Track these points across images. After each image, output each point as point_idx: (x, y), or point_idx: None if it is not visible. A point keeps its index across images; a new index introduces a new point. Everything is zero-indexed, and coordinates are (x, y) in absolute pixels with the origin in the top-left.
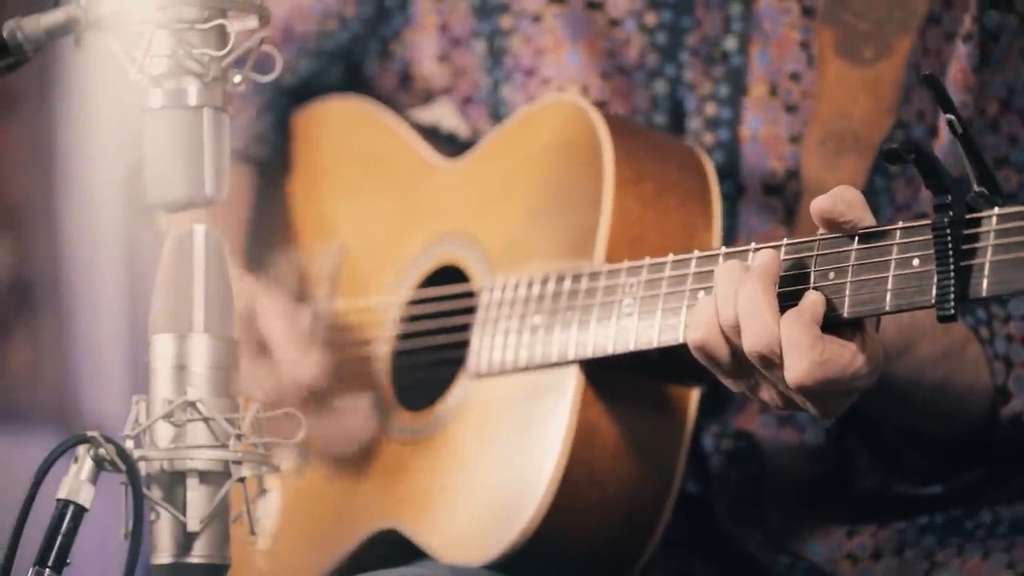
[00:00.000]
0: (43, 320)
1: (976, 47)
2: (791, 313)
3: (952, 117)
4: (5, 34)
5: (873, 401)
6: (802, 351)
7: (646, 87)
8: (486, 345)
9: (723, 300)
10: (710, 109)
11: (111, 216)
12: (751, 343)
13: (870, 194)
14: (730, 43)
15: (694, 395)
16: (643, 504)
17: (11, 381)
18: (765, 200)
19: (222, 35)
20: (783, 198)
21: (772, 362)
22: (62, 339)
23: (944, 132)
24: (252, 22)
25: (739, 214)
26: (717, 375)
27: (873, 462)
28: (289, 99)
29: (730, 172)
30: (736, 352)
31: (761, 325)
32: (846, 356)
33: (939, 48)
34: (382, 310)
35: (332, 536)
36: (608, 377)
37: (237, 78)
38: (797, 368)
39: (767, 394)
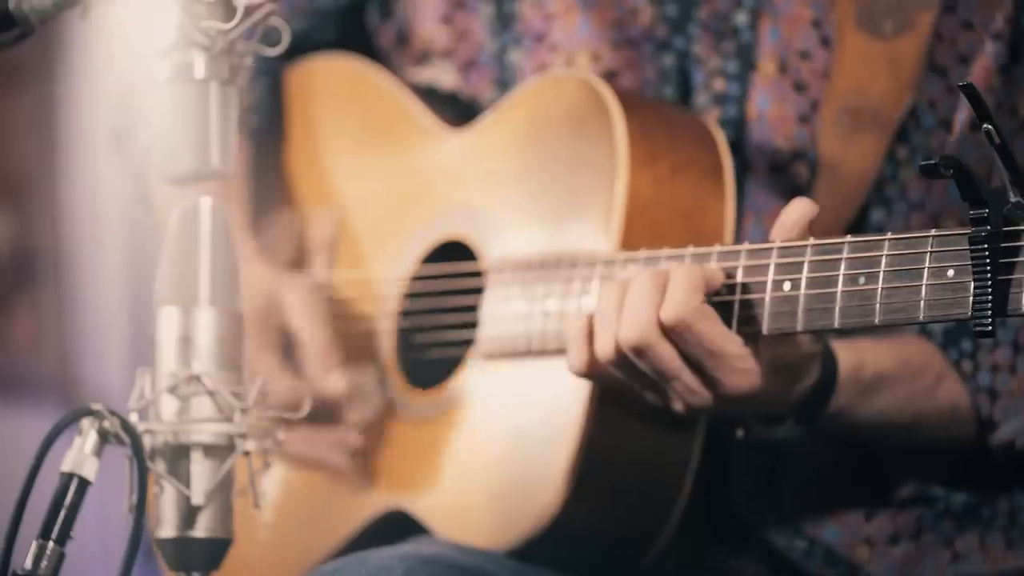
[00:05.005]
0: (45, 292)
1: (1005, 46)
2: (681, 265)
3: (991, 127)
4: (11, 6)
5: (836, 436)
6: (686, 289)
7: (655, 59)
8: (496, 327)
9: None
10: (718, 84)
11: (113, 188)
12: (627, 332)
13: (883, 179)
14: (741, 18)
15: None
16: (658, 491)
17: (13, 353)
18: (771, 179)
19: (229, 8)
20: (789, 177)
21: (643, 351)
22: (64, 311)
23: (958, 126)
24: None
25: (745, 192)
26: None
27: (909, 470)
28: (281, 60)
29: (736, 149)
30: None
31: (641, 316)
32: (724, 330)
33: (954, 37)
34: (384, 283)
35: (337, 514)
36: None
37: (244, 51)
38: (675, 302)
39: (648, 395)
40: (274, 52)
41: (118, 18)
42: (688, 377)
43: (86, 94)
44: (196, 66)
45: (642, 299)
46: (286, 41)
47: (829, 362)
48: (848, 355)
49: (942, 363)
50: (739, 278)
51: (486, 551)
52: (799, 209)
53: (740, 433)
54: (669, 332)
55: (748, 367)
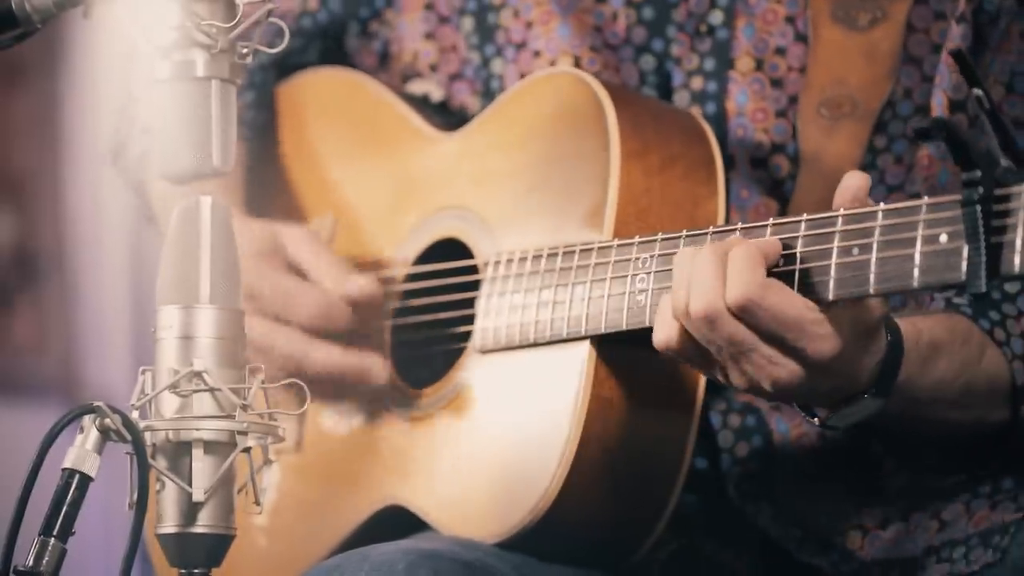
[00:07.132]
0: (47, 291)
1: (969, 28)
2: (739, 241)
3: (980, 92)
4: (14, 4)
5: (894, 418)
6: (747, 267)
7: (634, 62)
8: (492, 321)
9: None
10: (697, 83)
11: (115, 187)
12: (695, 304)
13: (863, 167)
14: (716, 17)
15: None
16: (654, 480)
17: (16, 352)
18: (753, 173)
19: (230, 7)
20: (770, 171)
21: (714, 321)
22: (66, 310)
23: (936, 110)
24: None
25: (728, 187)
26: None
27: (900, 463)
28: (268, 75)
29: (718, 146)
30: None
31: (707, 287)
32: (797, 299)
33: (927, 27)
34: (381, 283)
35: (338, 511)
36: (619, 352)
37: (244, 50)
38: (740, 283)
39: (734, 375)
40: (275, 51)
41: (119, 17)
42: (767, 350)
43: (88, 93)
44: (197, 65)
45: (706, 279)
46: (286, 40)
47: (893, 328)
48: (905, 323)
49: (980, 333)
50: None
51: (488, 546)
52: (855, 182)
53: (817, 420)
54: (738, 312)
55: (826, 332)
